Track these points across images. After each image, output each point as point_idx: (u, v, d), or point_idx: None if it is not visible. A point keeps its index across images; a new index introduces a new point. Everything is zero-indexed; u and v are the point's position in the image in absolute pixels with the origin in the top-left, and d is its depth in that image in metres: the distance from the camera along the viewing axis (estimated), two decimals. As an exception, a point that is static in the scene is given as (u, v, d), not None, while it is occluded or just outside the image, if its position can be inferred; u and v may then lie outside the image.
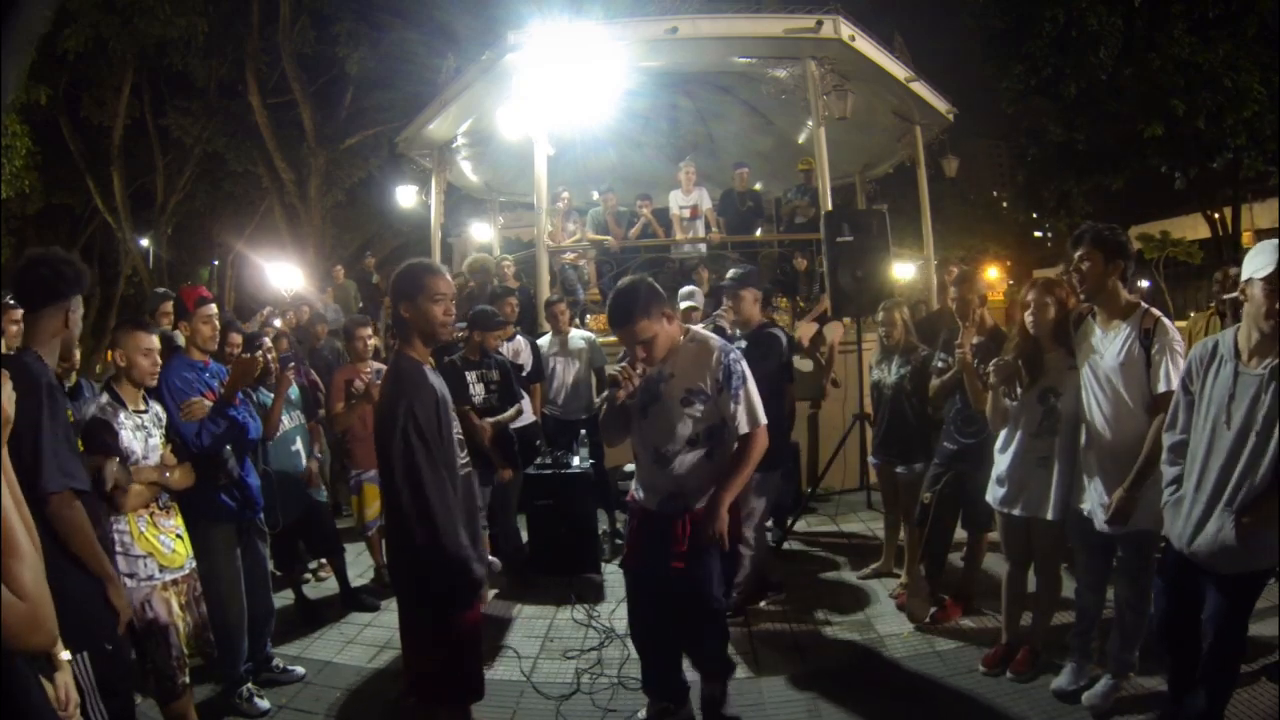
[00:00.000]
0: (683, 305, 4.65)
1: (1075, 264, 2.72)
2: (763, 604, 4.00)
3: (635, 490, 2.78)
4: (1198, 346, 2.38)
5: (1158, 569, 2.57)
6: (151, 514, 2.62)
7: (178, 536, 2.70)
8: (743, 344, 3.83)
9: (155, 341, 2.68)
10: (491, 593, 4.37)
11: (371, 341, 4.53)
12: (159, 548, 2.60)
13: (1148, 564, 2.71)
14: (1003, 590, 3.26)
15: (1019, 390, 2.98)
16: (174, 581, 2.62)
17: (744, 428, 2.54)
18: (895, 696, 3.09)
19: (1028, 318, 2.94)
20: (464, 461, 2.33)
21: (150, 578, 2.54)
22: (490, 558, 4.01)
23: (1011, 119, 16.28)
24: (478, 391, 4.29)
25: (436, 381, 2.26)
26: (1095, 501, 2.74)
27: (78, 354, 2.38)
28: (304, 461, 3.97)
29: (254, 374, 3.14)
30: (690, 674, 2.88)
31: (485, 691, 2.43)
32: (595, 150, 8.58)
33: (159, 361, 2.71)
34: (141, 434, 2.65)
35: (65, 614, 1.43)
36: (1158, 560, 2.61)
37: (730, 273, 4.23)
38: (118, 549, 2.49)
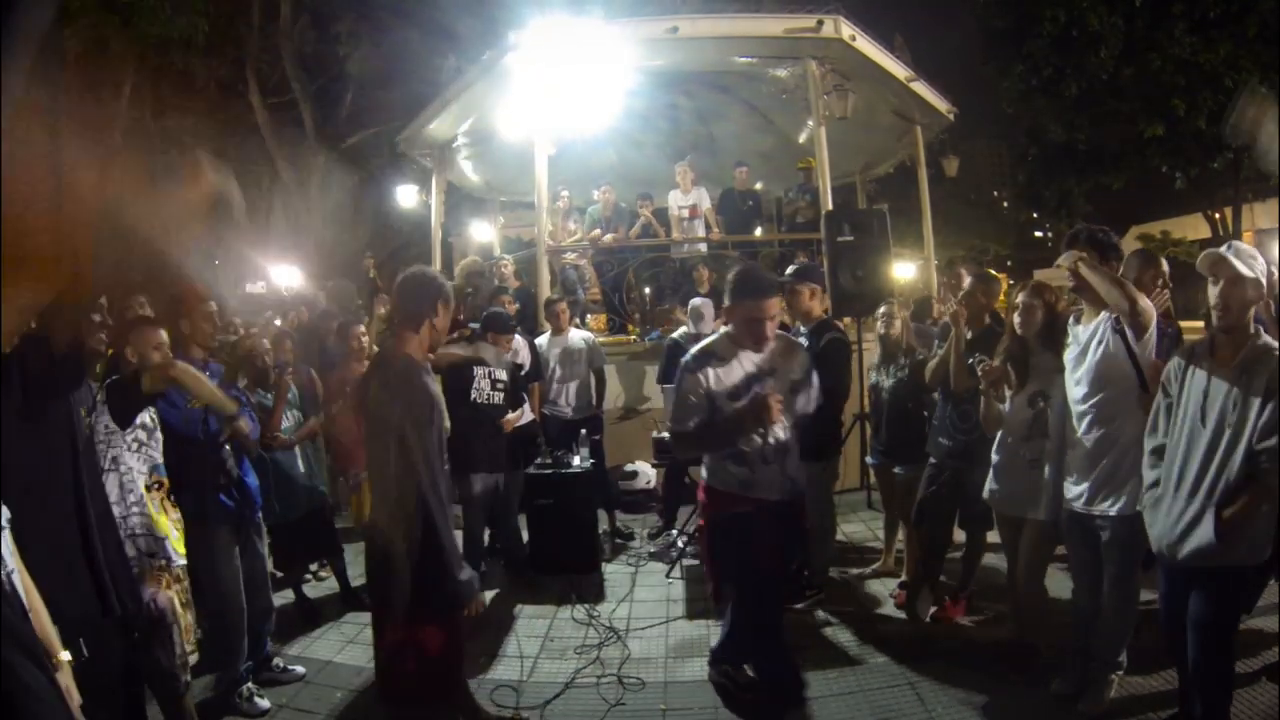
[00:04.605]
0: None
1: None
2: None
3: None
4: (1176, 354, 2.45)
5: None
6: (162, 500, 2.67)
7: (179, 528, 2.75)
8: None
9: (164, 336, 2.73)
10: (490, 593, 4.37)
11: (365, 339, 4.56)
12: (170, 532, 2.66)
13: (1133, 565, 2.71)
14: (1008, 588, 3.25)
15: (1008, 392, 2.99)
16: (184, 568, 2.67)
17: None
18: (895, 696, 3.08)
19: (1016, 319, 2.95)
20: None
21: (169, 561, 2.60)
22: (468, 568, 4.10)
23: (1011, 119, 16.19)
24: (483, 388, 4.28)
25: (433, 386, 2.32)
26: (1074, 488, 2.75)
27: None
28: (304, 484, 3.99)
29: (261, 355, 3.18)
30: None
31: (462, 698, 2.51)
32: (595, 150, 8.56)
33: (169, 355, 2.75)
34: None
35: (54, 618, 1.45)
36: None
37: (790, 269, 4.14)
38: (139, 530, 2.55)
